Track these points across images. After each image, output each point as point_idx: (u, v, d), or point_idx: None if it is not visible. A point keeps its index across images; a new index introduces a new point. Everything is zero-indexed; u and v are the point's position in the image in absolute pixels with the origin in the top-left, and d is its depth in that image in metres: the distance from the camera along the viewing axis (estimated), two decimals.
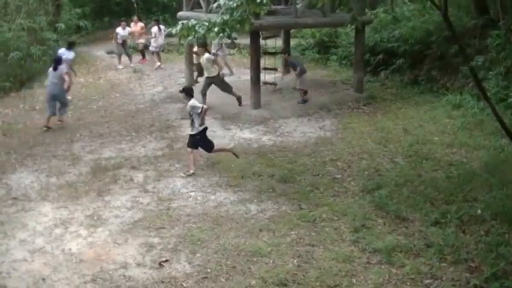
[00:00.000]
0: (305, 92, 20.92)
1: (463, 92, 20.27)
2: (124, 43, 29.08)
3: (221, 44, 24.83)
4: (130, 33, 30.04)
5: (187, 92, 15.33)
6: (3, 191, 14.11)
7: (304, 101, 20.62)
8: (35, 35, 27.92)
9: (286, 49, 23.18)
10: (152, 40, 29.46)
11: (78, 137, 18.04)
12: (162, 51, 30.47)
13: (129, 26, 30.34)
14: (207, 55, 19.78)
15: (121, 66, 28.77)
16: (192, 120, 14.91)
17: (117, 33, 28.91)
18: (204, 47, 19.72)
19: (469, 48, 20.53)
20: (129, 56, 29.59)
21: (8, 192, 14.04)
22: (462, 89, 20.60)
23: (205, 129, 15.14)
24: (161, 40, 29.47)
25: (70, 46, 23.68)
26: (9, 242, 11.48)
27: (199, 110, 14.80)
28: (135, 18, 31.95)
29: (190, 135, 15.05)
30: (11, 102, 22.68)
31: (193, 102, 14.97)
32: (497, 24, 20.34)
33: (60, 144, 17.26)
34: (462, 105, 19.39)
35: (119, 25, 29.58)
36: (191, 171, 14.76)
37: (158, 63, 28.61)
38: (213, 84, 20.17)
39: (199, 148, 15.19)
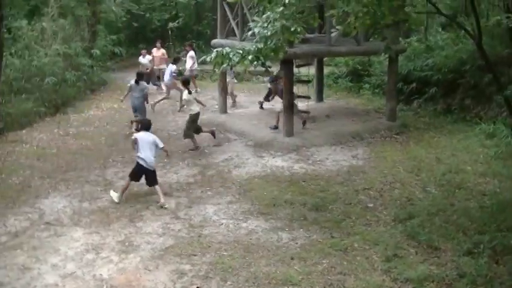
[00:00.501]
0: (303, 122, 21.05)
1: (496, 121, 20.14)
2: (150, 73, 29.35)
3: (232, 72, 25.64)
4: (150, 61, 30.22)
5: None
6: (36, 215, 14.22)
7: (275, 127, 20.71)
8: (71, 61, 28.26)
9: (277, 76, 23.02)
10: (189, 65, 29.41)
11: (111, 163, 18.16)
12: (196, 76, 30.35)
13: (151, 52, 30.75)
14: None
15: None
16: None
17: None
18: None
19: (503, 77, 20.36)
20: (158, 86, 29.67)
21: (41, 216, 14.15)
22: (496, 118, 20.46)
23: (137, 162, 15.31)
24: (195, 65, 29.65)
25: (175, 61, 26.55)
26: (41, 266, 11.55)
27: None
28: (158, 44, 31.93)
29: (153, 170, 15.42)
30: (45, 126, 22.90)
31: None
32: None
33: (93, 170, 17.39)
34: (495, 134, 19.26)
35: (140, 54, 29.99)
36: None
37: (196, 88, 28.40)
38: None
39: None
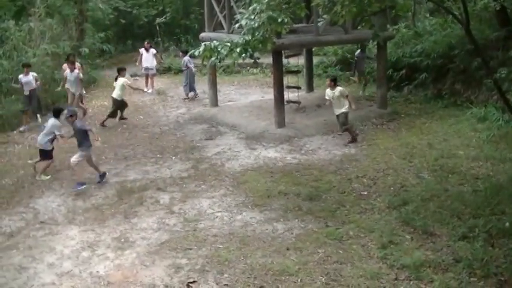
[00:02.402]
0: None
1: (487, 104, 20.17)
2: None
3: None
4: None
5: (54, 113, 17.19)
6: (30, 215, 14.22)
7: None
8: (59, 60, 28.13)
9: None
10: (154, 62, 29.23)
11: (103, 160, 18.12)
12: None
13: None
14: None
15: (149, 91, 28.53)
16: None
17: (141, 55, 28.87)
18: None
19: (492, 61, 20.43)
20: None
21: (36, 216, 14.14)
22: (486, 102, 20.50)
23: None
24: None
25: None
26: (38, 265, 11.55)
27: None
28: (146, 43, 30.20)
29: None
30: (37, 127, 22.79)
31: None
32: None
33: (86, 167, 17.34)
34: (487, 118, 19.28)
35: (143, 47, 29.35)
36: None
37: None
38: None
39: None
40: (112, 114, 22.51)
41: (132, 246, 12.24)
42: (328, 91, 18.81)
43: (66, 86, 23.44)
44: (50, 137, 16.98)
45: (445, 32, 24.50)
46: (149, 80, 28.86)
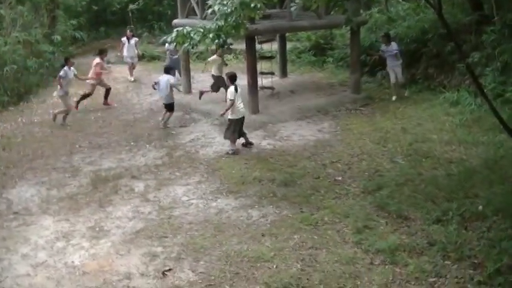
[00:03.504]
0: None
1: (460, 89, 20.26)
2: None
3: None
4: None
5: None
6: (3, 205, 14.11)
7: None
8: (31, 48, 27.90)
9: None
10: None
11: (77, 149, 18.03)
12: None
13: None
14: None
15: (132, 78, 28.30)
16: None
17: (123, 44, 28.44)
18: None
19: (465, 45, 20.51)
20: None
21: (9, 206, 14.03)
22: (459, 86, 20.57)
23: None
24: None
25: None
26: (12, 256, 11.47)
27: None
28: (128, 32, 29.52)
29: None
30: (9, 116, 22.65)
31: None
32: (491, 20, 20.30)
33: (59, 157, 17.26)
34: (460, 102, 19.39)
35: (125, 36, 28.75)
36: None
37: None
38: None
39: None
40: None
41: (107, 235, 12.19)
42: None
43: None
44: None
45: (418, 17, 24.49)
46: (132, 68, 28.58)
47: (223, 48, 21.46)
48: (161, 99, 20.61)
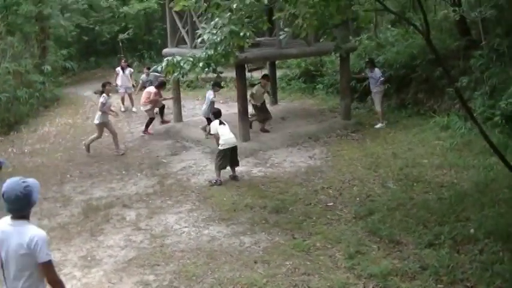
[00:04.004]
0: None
1: (450, 113, 20.38)
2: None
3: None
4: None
5: None
6: None
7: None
8: (21, 78, 27.98)
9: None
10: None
11: (68, 178, 18.01)
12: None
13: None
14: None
15: (134, 109, 28.03)
16: None
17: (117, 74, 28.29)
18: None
19: (454, 70, 20.65)
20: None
21: None
22: (449, 111, 20.70)
23: None
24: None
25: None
26: None
27: None
28: (123, 62, 29.52)
29: None
30: None
31: None
32: (479, 45, 20.46)
33: (50, 186, 17.23)
34: (450, 126, 19.49)
35: (120, 66, 28.55)
36: None
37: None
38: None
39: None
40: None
41: (99, 264, 12.13)
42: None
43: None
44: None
45: (407, 43, 24.71)
46: (128, 98, 28.23)
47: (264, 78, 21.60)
48: None
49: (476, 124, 12.35)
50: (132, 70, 29.00)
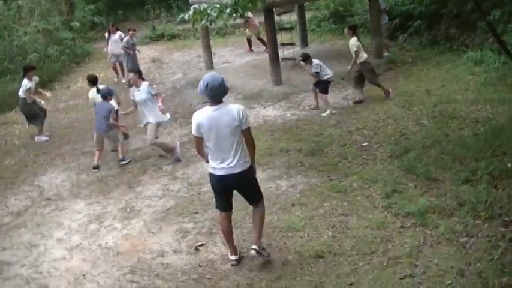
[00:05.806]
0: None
1: (483, 47, 20.12)
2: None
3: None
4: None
5: None
6: (36, 193, 14.28)
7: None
8: (51, 36, 28.06)
9: None
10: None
11: None
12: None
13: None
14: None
15: (124, 80, 24.46)
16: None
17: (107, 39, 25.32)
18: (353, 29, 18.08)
19: (485, 3, 20.28)
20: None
21: (41, 193, 14.21)
22: (482, 45, 20.44)
23: None
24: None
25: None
26: (47, 241, 11.61)
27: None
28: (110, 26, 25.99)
29: None
30: None
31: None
32: None
33: (86, 141, 17.40)
34: (483, 61, 19.23)
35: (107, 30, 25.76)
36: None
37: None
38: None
39: None
40: None
41: (138, 215, 12.29)
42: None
43: None
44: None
45: None
46: (118, 68, 25.36)
47: None
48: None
49: (510, 57, 12.20)
50: (122, 34, 24.81)
